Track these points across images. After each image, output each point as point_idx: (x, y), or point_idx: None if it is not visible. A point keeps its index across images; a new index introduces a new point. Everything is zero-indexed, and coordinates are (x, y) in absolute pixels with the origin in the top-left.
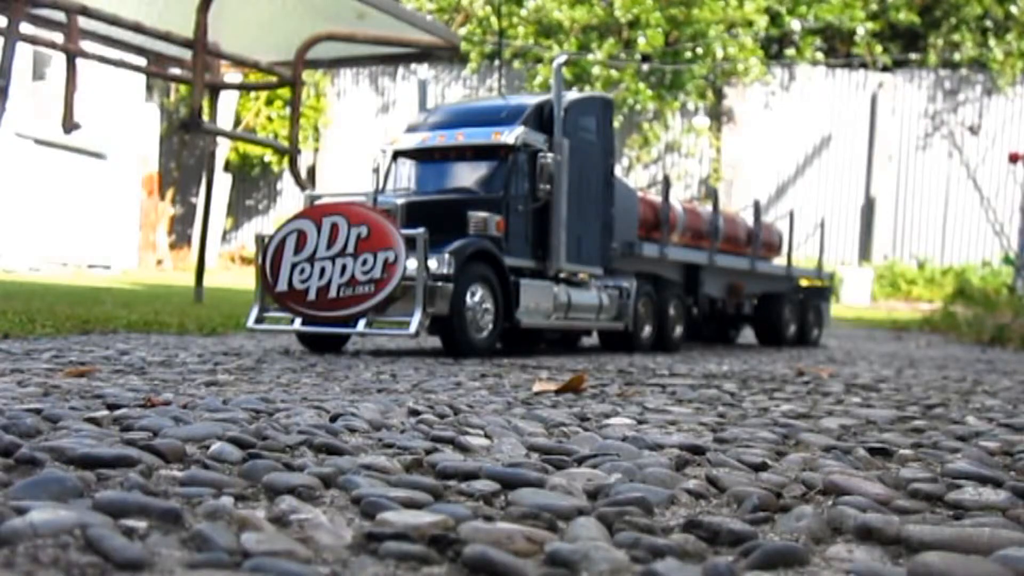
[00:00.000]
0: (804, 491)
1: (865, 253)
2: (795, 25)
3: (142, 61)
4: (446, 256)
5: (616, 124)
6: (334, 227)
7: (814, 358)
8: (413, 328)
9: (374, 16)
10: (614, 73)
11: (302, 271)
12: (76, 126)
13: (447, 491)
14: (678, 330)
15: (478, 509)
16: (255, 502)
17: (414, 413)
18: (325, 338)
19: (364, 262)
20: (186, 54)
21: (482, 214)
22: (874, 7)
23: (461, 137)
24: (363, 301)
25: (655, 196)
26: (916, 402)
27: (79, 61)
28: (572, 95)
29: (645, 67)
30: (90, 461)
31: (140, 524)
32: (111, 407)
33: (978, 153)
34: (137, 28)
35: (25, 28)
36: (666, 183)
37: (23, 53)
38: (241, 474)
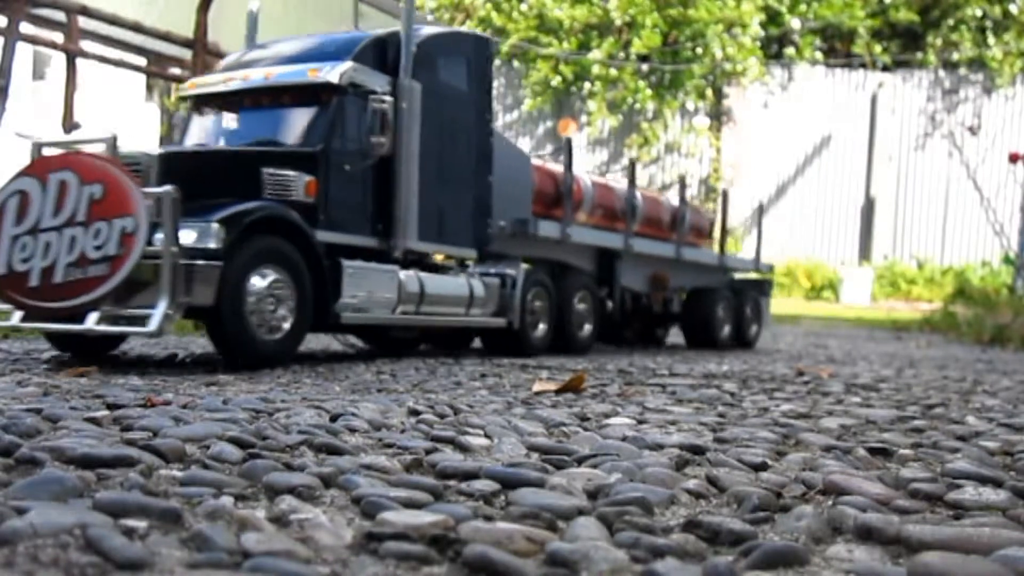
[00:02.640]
0: (804, 491)
1: (865, 253)
2: (795, 24)
3: (142, 61)
4: (212, 226)
5: (615, 123)
6: (62, 186)
7: (813, 358)
8: (154, 324)
9: (374, 16)
10: (613, 72)
11: (23, 247)
12: (76, 126)
13: (447, 491)
14: (586, 328)
15: (478, 509)
16: (255, 502)
17: (414, 413)
18: (79, 338)
19: (97, 233)
20: (186, 54)
21: (283, 172)
22: (874, 6)
23: (270, 76)
24: (94, 287)
25: (555, 165)
26: (916, 402)
27: (79, 61)
28: (431, 28)
29: (644, 67)
30: (90, 461)
31: (140, 524)
32: (111, 407)
33: (978, 153)
34: (137, 28)
35: (25, 28)
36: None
37: (23, 53)
38: (241, 474)
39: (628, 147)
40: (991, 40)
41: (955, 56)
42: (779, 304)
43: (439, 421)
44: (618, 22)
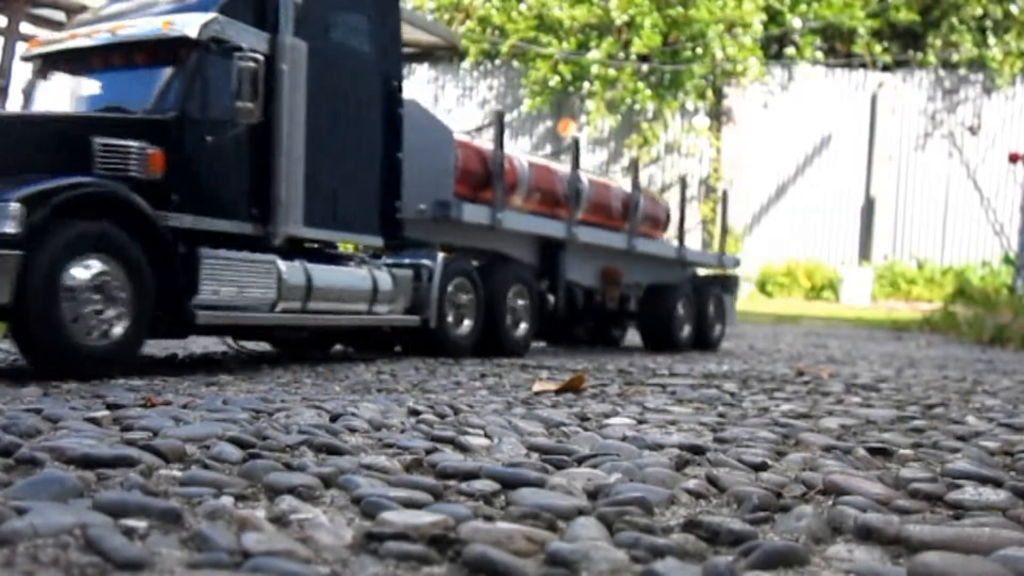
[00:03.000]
0: (804, 491)
1: (865, 253)
2: (795, 24)
3: None
4: (10, 206)
5: (614, 123)
6: None
7: (813, 358)
8: None
9: None
10: (612, 72)
11: None
12: None
13: (447, 491)
14: (522, 327)
15: (478, 509)
16: (255, 502)
17: (414, 413)
18: None
19: None
20: None
21: (118, 143)
22: (874, 6)
23: (118, 31)
24: None
25: (484, 143)
26: (916, 402)
27: None
28: None
29: (644, 67)
30: (90, 461)
31: (140, 524)
32: (111, 407)
33: (978, 153)
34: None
35: (25, 28)
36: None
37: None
38: (241, 474)
39: (628, 147)
40: (991, 40)
41: (955, 56)
42: (779, 304)
43: (439, 421)
44: (618, 22)
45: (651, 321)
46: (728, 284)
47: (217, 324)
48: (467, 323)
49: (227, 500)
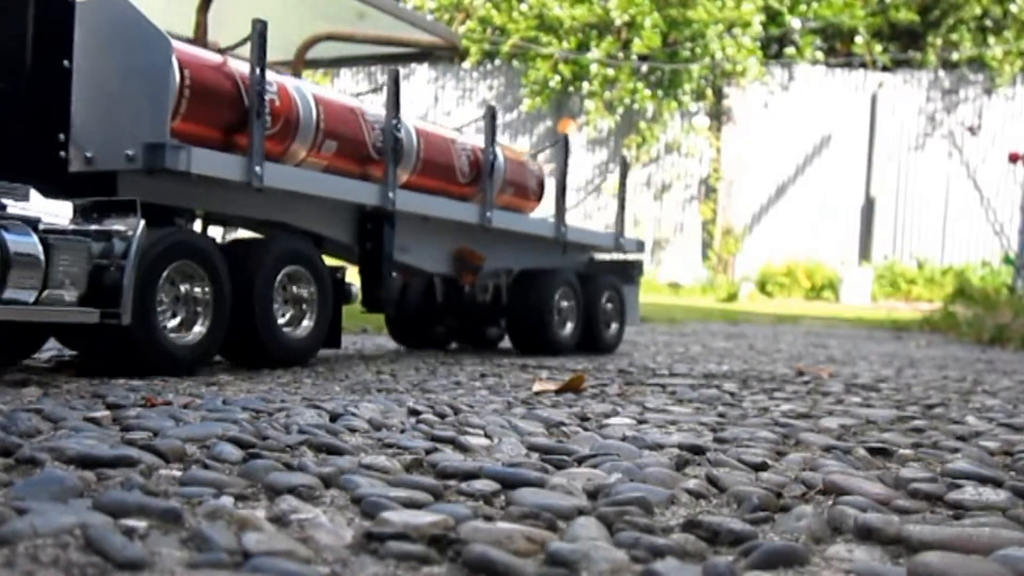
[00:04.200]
0: (804, 491)
1: (865, 253)
2: (795, 24)
3: None
4: None
5: (613, 123)
6: None
7: (813, 358)
8: None
9: (374, 16)
10: (611, 72)
11: None
12: None
13: (447, 491)
14: (303, 326)
15: (478, 509)
16: (255, 502)
17: (414, 413)
18: None
19: None
20: None
21: None
22: (874, 6)
23: None
24: None
25: (233, 61)
26: (916, 402)
27: None
28: None
29: (643, 68)
30: (90, 461)
31: (140, 524)
32: (111, 407)
33: (978, 153)
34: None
35: None
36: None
37: None
38: (241, 474)
39: (627, 147)
40: (991, 40)
41: (955, 56)
42: (779, 304)
43: (439, 421)
44: (618, 22)
45: (520, 315)
46: (629, 272)
47: None
48: (199, 324)
49: (227, 500)
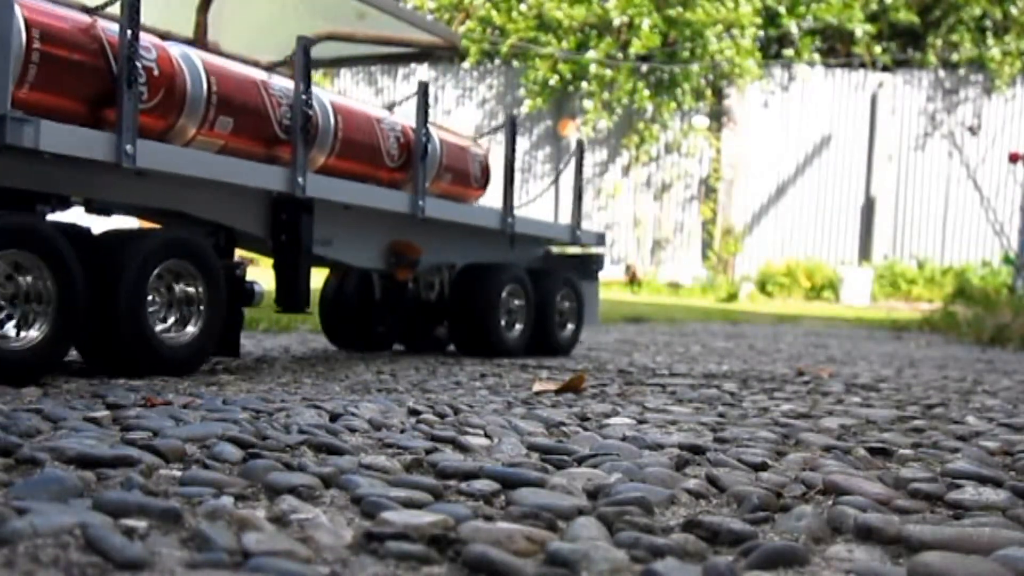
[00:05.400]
0: (804, 491)
1: (865, 253)
2: (794, 27)
3: None
4: None
5: (611, 124)
6: None
7: (813, 358)
8: None
9: (374, 16)
10: (610, 72)
11: None
12: None
13: (447, 491)
14: (188, 332)
15: (478, 509)
16: (255, 502)
17: (414, 413)
18: None
19: None
20: None
21: None
22: (873, 7)
23: None
24: None
25: (106, 24)
26: (916, 402)
27: None
28: None
29: (643, 68)
30: (90, 461)
31: (140, 524)
32: (111, 407)
33: (978, 153)
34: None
35: None
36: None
37: None
38: (241, 474)
39: (626, 147)
40: (991, 40)
41: (955, 56)
42: (779, 304)
43: (439, 421)
44: (616, 22)
45: (462, 314)
46: (588, 267)
47: None
48: (36, 327)
49: (227, 500)
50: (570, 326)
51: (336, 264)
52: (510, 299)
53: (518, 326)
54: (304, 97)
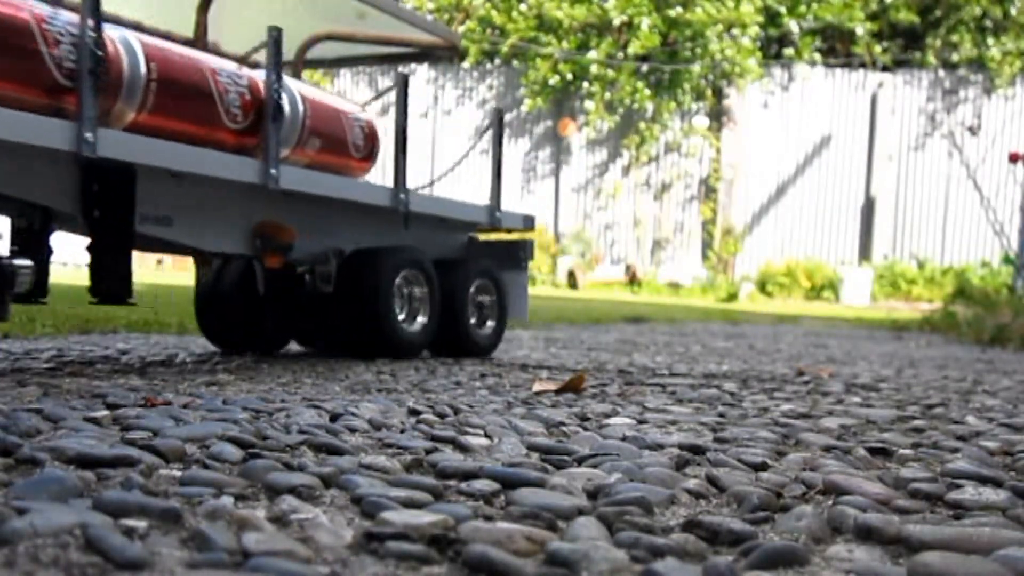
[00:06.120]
0: (804, 491)
1: (865, 253)
2: (794, 26)
3: None
4: None
5: (612, 124)
6: None
7: (813, 358)
8: None
9: (374, 16)
10: (610, 73)
11: None
12: None
13: (447, 491)
14: None
15: (478, 509)
16: (255, 502)
17: (414, 413)
18: None
19: None
20: None
21: None
22: (874, 7)
23: None
24: None
25: None
26: (916, 402)
27: None
28: None
29: (643, 68)
30: (90, 461)
31: (140, 524)
32: (111, 407)
33: (978, 153)
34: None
35: None
36: None
37: None
38: (241, 474)
39: (626, 147)
40: (990, 40)
41: (955, 56)
42: (779, 304)
43: (439, 421)
44: (616, 22)
45: (349, 306)
46: (514, 255)
47: None
48: None
49: (227, 500)
50: (489, 323)
51: (185, 249)
52: (407, 287)
53: (419, 320)
54: (92, 34)
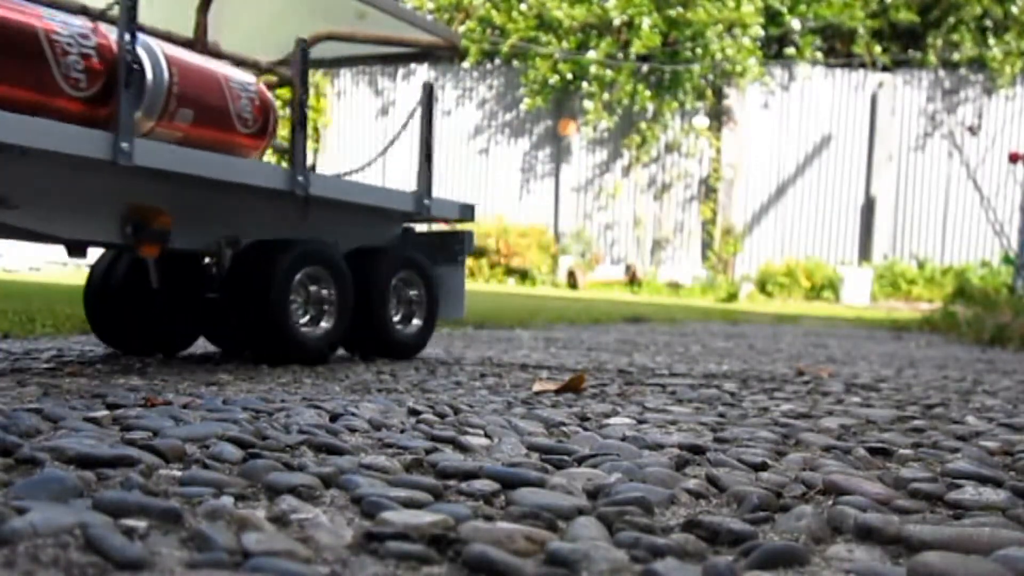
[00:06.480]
0: (804, 491)
1: (865, 253)
2: (795, 24)
3: None
4: None
5: (612, 124)
6: None
7: (813, 358)
8: None
9: (374, 16)
10: (610, 73)
11: None
12: None
13: (447, 491)
14: None
15: (478, 509)
16: (255, 502)
17: (414, 413)
18: None
19: None
20: None
21: None
22: (874, 6)
23: None
24: None
25: None
26: (916, 402)
27: None
28: None
29: (644, 68)
30: (90, 461)
31: (140, 524)
32: (111, 407)
33: (978, 153)
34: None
35: None
36: None
37: None
38: (241, 474)
39: (626, 147)
40: (991, 40)
41: (955, 56)
42: (779, 304)
43: (439, 421)
44: (616, 22)
45: (240, 303)
46: (448, 248)
47: None
48: None
49: (227, 500)
50: (415, 321)
51: (37, 236)
52: (311, 285)
53: (325, 320)
54: None
